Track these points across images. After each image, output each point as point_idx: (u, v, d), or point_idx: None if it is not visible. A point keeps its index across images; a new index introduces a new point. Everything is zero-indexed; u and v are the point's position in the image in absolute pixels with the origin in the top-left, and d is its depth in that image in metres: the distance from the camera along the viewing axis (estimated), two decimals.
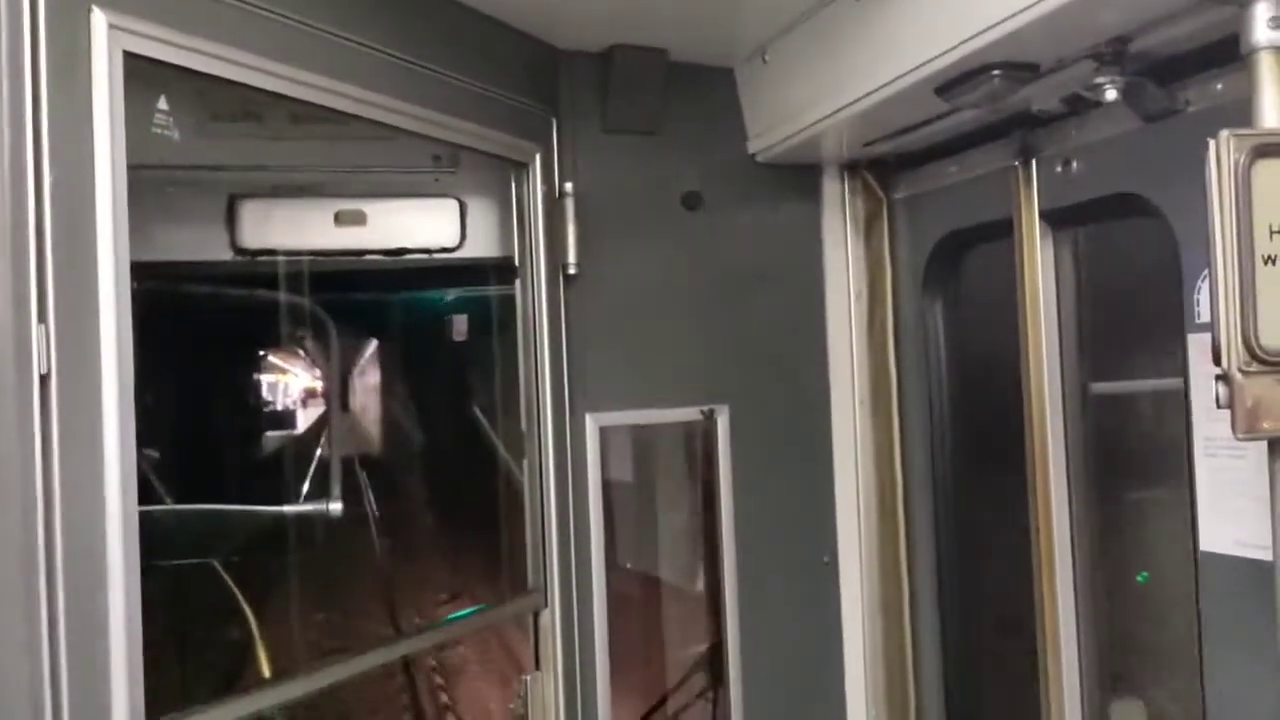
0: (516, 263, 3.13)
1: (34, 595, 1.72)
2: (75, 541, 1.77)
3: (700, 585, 3.73)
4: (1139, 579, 3.10)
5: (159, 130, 2.07)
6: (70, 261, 1.79)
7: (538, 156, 3.09)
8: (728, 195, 3.47)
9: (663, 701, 3.85)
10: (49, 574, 1.74)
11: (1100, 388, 3.09)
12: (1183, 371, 2.52)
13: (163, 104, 2.09)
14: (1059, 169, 2.85)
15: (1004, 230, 3.05)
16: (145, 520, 1.93)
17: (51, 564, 1.74)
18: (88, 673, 1.80)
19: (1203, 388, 2.44)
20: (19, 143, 1.73)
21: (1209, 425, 2.44)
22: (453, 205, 3.41)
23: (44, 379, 1.74)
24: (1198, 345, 2.45)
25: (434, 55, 2.71)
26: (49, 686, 1.74)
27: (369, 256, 3.36)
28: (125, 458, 1.84)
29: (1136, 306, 3.02)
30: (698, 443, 3.60)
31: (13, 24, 1.74)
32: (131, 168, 1.91)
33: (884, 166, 3.57)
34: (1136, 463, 3.12)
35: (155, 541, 1.98)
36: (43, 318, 1.74)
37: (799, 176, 3.59)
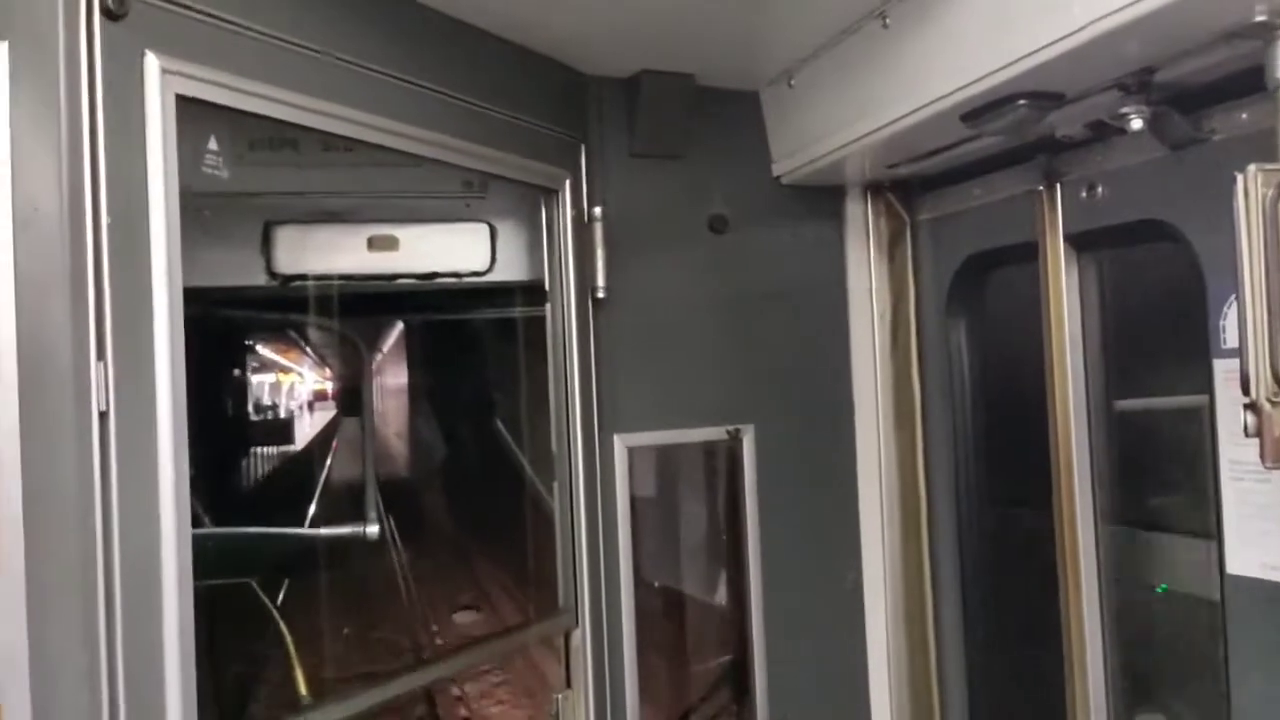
0: (546, 286, 3.17)
1: (93, 625, 1.77)
2: (132, 574, 1.82)
3: (725, 602, 3.77)
4: (1158, 589, 3.13)
5: (209, 170, 2.13)
6: (127, 300, 1.84)
7: (567, 182, 3.14)
8: (752, 217, 3.51)
9: (686, 717, 3.88)
10: (107, 605, 1.79)
11: (1125, 405, 3.11)
12: (1208, 395, 2.55)
13: (213, 144, 2.14)
14: (1084, 194, 2.88)
15: (1028, 253, 3.08)
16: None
17: (110, 596, 1.79)
18: (143, 697, 1.85)
19: (1229, 412, 2.47)
20: (77, 185, 1.79)
21: (1235, 449, 2.46)
22: (483, 229, 3.45)
23: (103, 416, 1.79)
24: (1223, 370, 2.48)
25: (465, 86, 2.76)
26: (107, 711, 1.79)
27: (401, 280, 3.41)
28: (179, 490, 1.89)
29: (1161, 328, 3.05)
30: (721, 460, 3.63)
31: (70, 69, 1.79)
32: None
33: (908, 188, 3.60)
34: (1161, 478, 3.14)
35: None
36: (101, 355, 1.79)
37: (823, 198, 3.63)
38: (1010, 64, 2.32)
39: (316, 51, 2.30)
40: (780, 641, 3.51)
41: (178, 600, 1.88)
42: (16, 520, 1.70)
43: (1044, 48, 2.20)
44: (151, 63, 1.91)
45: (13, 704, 1.73)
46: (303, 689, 3.29)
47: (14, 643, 1.72)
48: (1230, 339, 2.45)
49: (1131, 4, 1.97)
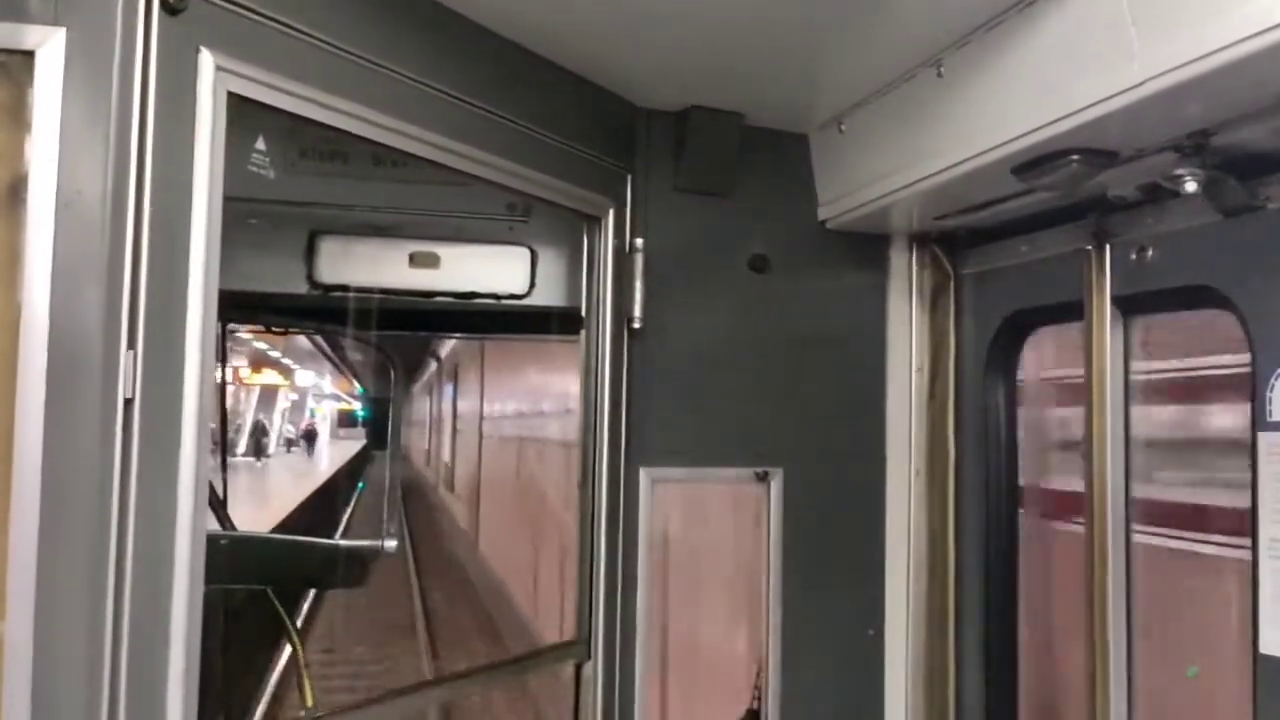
0: (583, 313, 3.16)
1: (100, 615, 1.76)
2: (144, 562, 1.82)
3: (741, 647, 3.70)
4: (1188, 674, 3.03)
5: (256, 169, 2.14)
6: (162, 292, 1.85)
7: (611, 211, 3.14)
8: (795, 260, 3.49)
9: None
10: (116, 593, 1.78)
11: (1164, 476, 3.04)
12: (1251, 470, 2.48)
13: (260, 144, 2.16)
14: (1133, 256, 2.83)
15: (1072, 312, 3.03)
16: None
17: (120, 583, 1.78)
18: (146, 690, 1.83)
19: (1271, 488, 2.40)
20: (122, 175, 1.81)
21: (1275, 526, 2.39)
22: (524, 253, 3.46)
23: (128, 403, 1.79)
24: (1268, 444, 2.41)
25: (517, 108, 2.77)
26: (107, 700, 1.78)
27: (439, 298, 3.42)
28: (199, 482, 1.90)
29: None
30: (748, 503, 3.58)
31: (125, 60, 1.81)
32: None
33: (953, 241, 3.56)
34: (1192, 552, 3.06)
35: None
36: (132, 344, 1.80)
37: (867, 245, 3.60)
38: (1064, 117, 2.29)
39: (371, 62, 2.32)
40: (796, 690, 3.43)
41: (188, 591, 1.87)
42: (34, 500, 1.70)
43: (1100, 102, 2.18)
44: (206, 59, 1.93)
45: (13, 689, 1.72)
46: (309, 699, 3.28)
47: (20, 628, 1.72)
48: (1277, 412, 2.38)
49: (1192, 62, 1.94)
